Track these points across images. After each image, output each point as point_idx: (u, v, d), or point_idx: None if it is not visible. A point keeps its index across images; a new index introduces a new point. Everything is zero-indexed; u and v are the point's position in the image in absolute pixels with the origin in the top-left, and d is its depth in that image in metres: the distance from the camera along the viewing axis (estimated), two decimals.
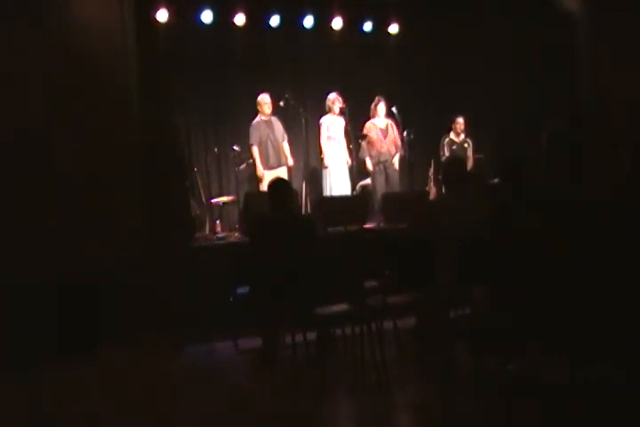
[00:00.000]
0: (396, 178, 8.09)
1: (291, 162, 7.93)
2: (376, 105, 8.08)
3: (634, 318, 3.16)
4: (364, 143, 8.08)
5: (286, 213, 5.10)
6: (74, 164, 5.60)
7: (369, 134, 8.05)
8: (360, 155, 8.15)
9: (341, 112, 7.92)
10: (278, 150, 7.78)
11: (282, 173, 7.68)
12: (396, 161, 8.07)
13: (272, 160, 7.72)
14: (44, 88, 5.54)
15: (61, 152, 5.58)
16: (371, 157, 8.06)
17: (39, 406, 4.25)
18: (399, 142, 8.03)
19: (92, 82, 5.69)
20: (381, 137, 8.04)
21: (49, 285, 5.25)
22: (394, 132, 8.04)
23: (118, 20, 5.84)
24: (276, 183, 5.21)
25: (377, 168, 8.04)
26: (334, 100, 7.92)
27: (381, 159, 8.03)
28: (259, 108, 7.72)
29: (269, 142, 7.72)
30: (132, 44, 5.97)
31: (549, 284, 3.43)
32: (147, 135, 6.01)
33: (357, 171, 8.18)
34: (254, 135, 7.69)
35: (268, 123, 7.76)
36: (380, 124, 8.09)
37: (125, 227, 5.74)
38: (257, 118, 7.76)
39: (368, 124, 8.11)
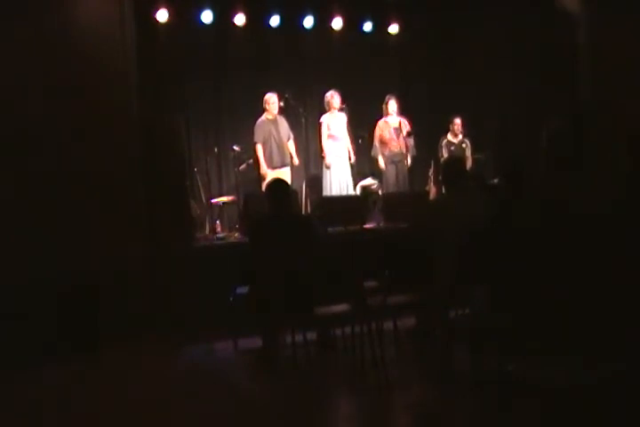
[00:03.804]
0: (406, 177, 8.08)
1: (296, 161, 7.94)
2: (386, 103, 8.08)
3: (634, 318, 3.16)
4: (376, 142, 8.08)
5: (286, 214, 5.11)
6: (74, 164, 5.60)
7: (382, 133, 8.05)
8: (372, 153, 8.15)
9: (341, 109, 7.93)
10: (283, 150, 7.78)
11: (286, 172, 7.68)
12: (408, 160, 8.03)
13: (276, 159, 7.73)
14: (44, 88, 5.54)
15: (61, 152, 5.58)
16: (383, 155, 8.06)
17: (39, 405, 4.24)
18: (411, 141, 8.02)
19: (91, 82, 5.69)
20: (394, 136, 8.03)
21: (49, 285, 5.25)
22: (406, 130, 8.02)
23: (118, 20, 5.84)
24: (274, 184, 5.25)
25: (388, 167, 8.05)
26: (332, 95, 7.91)
27: (394, 159, 8.04)
28: (266, 106, 7.72)
29: (273, 141, 7.72)
30: (132, 44, 5.97)
31: (549, 284, 3.43)
32: (147, 135, 6.01)
33: (358, 171, 8.19)
34: (258, 133, 7.70)
35: (274, 122, 7.76)
36: (393, 122, 8.08)
37: (125, 227, 5.74)
38: (262, 117, 7.77)
39: (381, 122, 8.10)
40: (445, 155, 8.30)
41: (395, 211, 6.82)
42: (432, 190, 8.17)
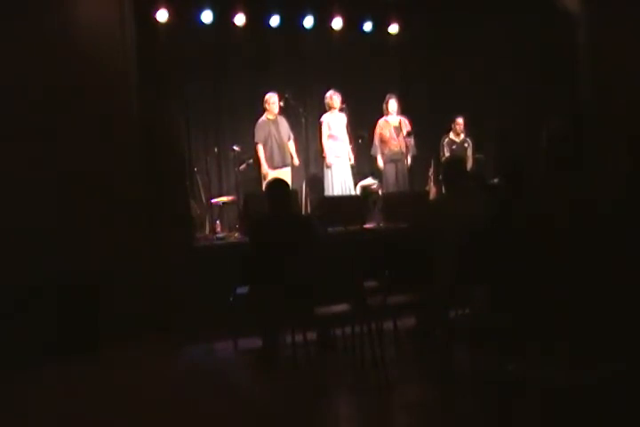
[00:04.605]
0: (406, 177, 8.08)
1: (297, 161, 7.94)
2: (387, 103, 8.09)
3: (634, 318, 3.16)
4: (376, 140, 8.09)
5: (286, 214, 5.11)
6: (74, 164, 5.60)
7: (382, 132, 8.06)
8: (372, 152, 8.17)
9: (342, 109, 7.94)
10: (283, 149, 7.79)
11: (286, 172, 7.68)
12: (408, 160, 8.02)
13: (277, 159, 7.74)
14: (44, 88, 5.54)
15: (61, 152, 5.58)
16: (382, 154, 8.07)
17: (39, 405, 4.24)
18: (411, 141, 8.02)
19: (91, 81, 5.69)
20: (394, 135, 8.04)
21: (49, 285, 5.25)
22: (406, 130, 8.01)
23: (118, 20, 5.84)
24: (274, 184, 5.27)
25: (388, 166, 8.05)
26: (332, 95, 7.92)
27: (394, 158, 8.04)
28: (266, 106, 7.73)
29: (274, 141, 7.73)
30: (132, 44, 5.97)
31: (549, 284, 3.43)
32: (147, 135, 6.01)
33: (358, 171, 8.19)
34: (259, 134, 7.70)
35: (274, 122, 7.77)
36: (394, 121, 8.09)
37: (125, 227, 5.74)
38: (263, 117, 7.77)
39: (381, 121, 8.12)
40: (447, 153, 8.32)
41: (395, 211, 6.82)
42: (432, 190, 8.17)
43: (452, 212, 4.66)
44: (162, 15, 7.36)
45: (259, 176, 7.78)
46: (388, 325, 4.89)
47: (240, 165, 7.72)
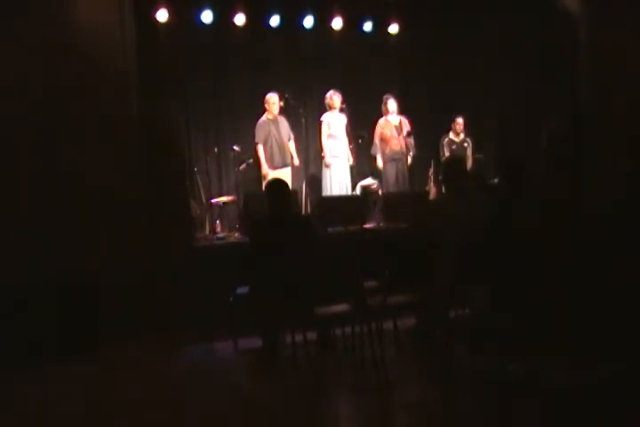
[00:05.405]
0: (406, 177, 8.07)
1: (297, 162, 7.94)
2: (385, 103, 8.09)
3: (634, 318, 3.16)
4: (376, 140, 8.09)
5: (286, 214, 5.12)
6: (74, 164, 5.60)
7: (383, 131, 8.06)
8: (372, 151, 8.16)
9: (342, 110, 7.94)
10: (283, 150, 7.78)
11: (286, 172, 7.68)
12: (408, 160, 8.01)
13: (277, 159, 7.73)
14: (44, 88, 5.54)
15: (61, 152, 5.58)
16: (383, 153, 8.07)
17: (39, 405, 4.24)
18: (411, 141, 8.01)
19: (91, 82, 5.69)
20: (395, 134, 8.03)
21: (49, 285, 5.25)
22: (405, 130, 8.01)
23: (118, 20, 5.83)
24: (274, 184, 5.27)
25: (388, 165, 8.05)
26: (332, 95, 7.92)
27: (394, 157, 8.04)
28: (267, 106, 7.73)
29: (274, 141, 7.73)
30: (132, 44, 5.97)
31: (549, 284, 3.43)
32: (147, 135, 6.01)
33: (358, 171, 8.19)
34: (260, 134, 7.70)
35: (275, 122, 7.77)
36: (394, 121, 8.09)
37: (125, 227, 5.73)
38: (263, 117, 7.77)
39: (381, 120, 8.11)
40: (447, 153, 8.32)
41: (395, 211, 6.81)
42: (432, 190, 8.17)
43: (452, 212, 4.66)
44: (162, 15, 7.36)
45: (259, 176, 7.78)
46: (388, 325, 4.89)
47: (240, 165, 7.72)
